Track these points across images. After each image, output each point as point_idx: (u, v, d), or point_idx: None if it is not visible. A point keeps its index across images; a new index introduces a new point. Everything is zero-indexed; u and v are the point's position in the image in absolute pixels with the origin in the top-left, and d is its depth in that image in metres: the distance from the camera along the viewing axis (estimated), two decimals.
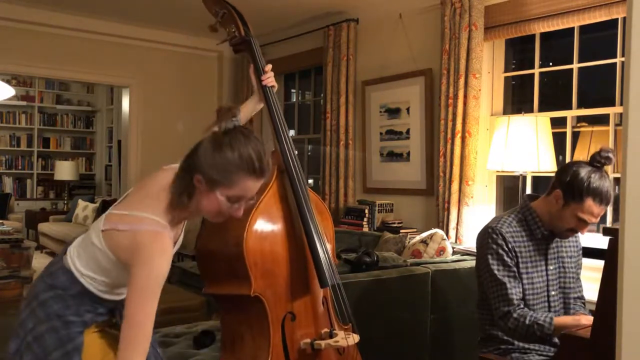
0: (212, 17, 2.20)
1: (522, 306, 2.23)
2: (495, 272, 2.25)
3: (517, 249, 2.27)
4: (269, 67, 2.14)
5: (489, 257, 2.27)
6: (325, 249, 2.03)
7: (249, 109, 2.19)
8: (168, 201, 1.59)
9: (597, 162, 2.17)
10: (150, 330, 1.51)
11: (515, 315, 2.20)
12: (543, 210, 2.29)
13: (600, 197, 2.15)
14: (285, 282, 1.98)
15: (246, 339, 1.95)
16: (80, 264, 1.63)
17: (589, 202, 2.15)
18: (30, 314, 1.62)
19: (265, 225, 1.96)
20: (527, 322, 2.17)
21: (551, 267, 2.33)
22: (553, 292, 2.32)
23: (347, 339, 2.01)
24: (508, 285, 2.23)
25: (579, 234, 2.35)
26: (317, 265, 1.99)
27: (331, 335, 2.03)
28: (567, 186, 2.17)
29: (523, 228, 2.31)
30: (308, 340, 1.98)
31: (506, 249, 2.25)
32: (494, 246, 2.26)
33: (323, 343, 1.97)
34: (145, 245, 1.52)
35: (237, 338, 1.96)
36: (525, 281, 2.27)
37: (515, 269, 2.26)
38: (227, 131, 1.56)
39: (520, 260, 2.27)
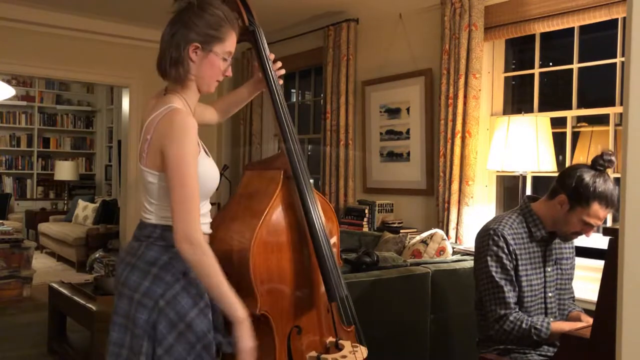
0: None
1: (517, 309, 2.24)
2: (494, 274, 2.24)
3: (517, 251, 2.27)
4: (272, 56, 2.08)
5: (489, 258, 2.26)
6: (333, 260, 1.91)
7: (244, 91, 2.14)
8: (169, 89, 1.70)
9: (600, 165, 2.17)
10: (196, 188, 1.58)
11: (511, 318, 2.20)
12: (544, 212, 2.29)
13: (607, 200, 2.15)
14: (292, 295, 1.88)
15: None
16: (167, 211, 1.62)
17: (596, 207, 2.15)
18: (155, 279, 1.62)
19: (272, 240, 1.83)
20: (524, 325, 2.18)
21: (549, 269, 2.33)
22: (550, 294, 2.32)
23: (355, 353, 1.90)
24: (505, 289, 2.22)
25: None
26: (326, 280, 1.88)
27: (337, 346, 1.96)
28: (573, 191, 2.17)
29: (523, 230, 2.31)
30: (314, 354, 1.90)
31: (507, 251, 2.25)
32: (495, 248, 2.26)
33: (330, 357, 1.88)
34: (165, 124, 1.60)
35: None
36: (524, 282, 2.26)
37: (513, 272, 2.25)
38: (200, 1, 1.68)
39: (519, 262, 2.27)
